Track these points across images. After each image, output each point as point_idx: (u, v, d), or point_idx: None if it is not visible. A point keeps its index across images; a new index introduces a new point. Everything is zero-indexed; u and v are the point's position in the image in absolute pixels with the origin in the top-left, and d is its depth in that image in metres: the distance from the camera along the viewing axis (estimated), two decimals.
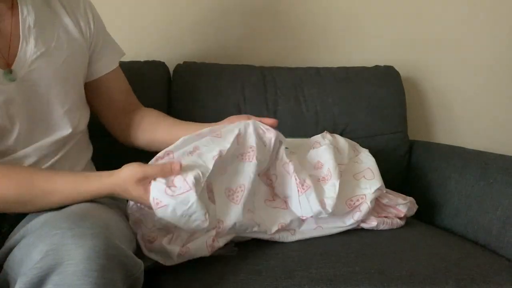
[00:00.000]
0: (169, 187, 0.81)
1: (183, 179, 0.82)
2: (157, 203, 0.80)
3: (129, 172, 0.81)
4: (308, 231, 1.00)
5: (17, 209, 0.82)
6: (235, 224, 0.89)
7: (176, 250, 0.85)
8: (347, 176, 1.04)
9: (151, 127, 1.05)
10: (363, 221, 1.03)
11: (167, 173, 0.82)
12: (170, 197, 0.80)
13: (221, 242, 0.90)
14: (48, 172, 0.86)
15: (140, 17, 1.44)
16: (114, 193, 0.82)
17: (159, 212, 0.80)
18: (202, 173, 0.84)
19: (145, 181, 0.81)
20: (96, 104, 1.05)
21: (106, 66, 1.03)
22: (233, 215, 0.90)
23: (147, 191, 0.80)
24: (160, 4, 1.46)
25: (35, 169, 0.86)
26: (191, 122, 1.06)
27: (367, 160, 1.09)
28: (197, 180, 0.82)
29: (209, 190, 0.89)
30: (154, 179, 0.81)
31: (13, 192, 0.79)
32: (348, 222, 1.01)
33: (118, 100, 1.06)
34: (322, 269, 0.86)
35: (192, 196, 0.80)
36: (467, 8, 1.61)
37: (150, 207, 0.81)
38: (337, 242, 0.97)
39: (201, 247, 0.87)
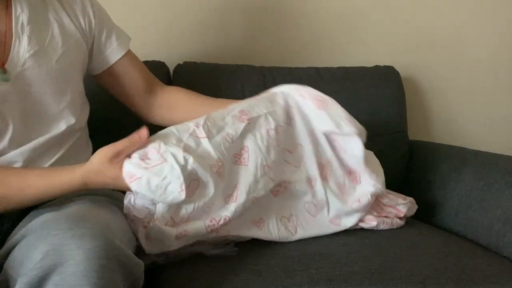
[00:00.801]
0: (143, 160, 0.80)
1: (157, 152, 0.81)
2: (131, 177, 0.79)
3: (100, 154, 0.81)
4: (308, 227, 0.99)
5: (8, 204, 0.81)
6: (249, 187, 0.90)
7: (173, 232, 0.84)
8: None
9: (184, 105, 1.07)
10: (361, 220, 1.03)
11: (136, 143, 0.82)
12: (143, 169, 0.80)
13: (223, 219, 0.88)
14: (20, 169, 0.87)
15: (140, 17, 1.44)
16: (88, 183, 0.81)
17: (134, 185, 0.79)
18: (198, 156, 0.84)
19: (118, 158, 0.80)
20: (118, 91, 1.06)
21: (116, 53, 1.02)
22: (244, 177, 0.91)
23: (122, 169, 0.80)
24: (160, 4, 1.46)
25: (7, 167, 0.86)
26: (222, 99, 1.08)
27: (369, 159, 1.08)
28: (174, 155, 0.82)
29: (219, 165, 0.88)
30: (129, 156, 0.81)
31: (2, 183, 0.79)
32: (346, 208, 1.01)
33: (138, 83, 1.06)
34: (322, 269, 0.86)
35: (167, 168, 0.80)
36: (467, 8, 1.61)
37: (129, 189, 0.81)
38: (337, 242, 0.97)
39: (200, 227, 0.86)
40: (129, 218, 0.87)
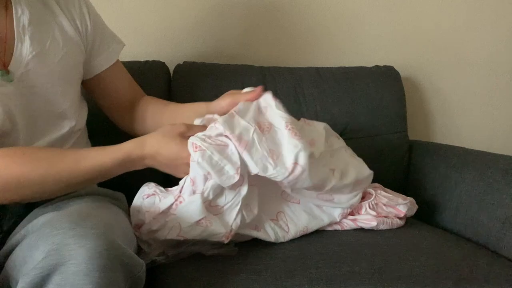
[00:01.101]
0: (207, 138, 0.86)
1: (220, 135, 0.87)
2: (196, 147, 0.84)
3: (170, 127, 0.86)
4: (297, 217, 0.99)
5: (49, 185, 0.80)
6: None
7: (201, 213, 0.85)
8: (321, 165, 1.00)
9: (156, 116, 1.06)
10: (353, 214, 1.04)
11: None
12: (208, 144, 0.84)
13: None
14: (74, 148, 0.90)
15: (140, 17, 1.44)
16: (145, 153, 0.84)
17: (197, 155, 0.83)
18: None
19: (188, 133, 0.87)
20: (102, 98, 1.06)
21: (107, 60, 1.03)
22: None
23: (186, 145, 0.85)
24: (160, 4, 1.46)
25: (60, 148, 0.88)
26: (192, 103, 1.07)
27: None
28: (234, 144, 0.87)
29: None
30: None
31: (44, 163, 0.80)
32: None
33: (123, 92, 1.07)
34: (322, 269, 0.86)
35: (228, 150, 0.85)
36: (467, 8, 1.61)
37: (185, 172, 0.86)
38: (337, 242, 0.97)
39: (219, 230, 0.86)
40: (133, 221, 0.87)
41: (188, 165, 0.86)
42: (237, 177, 0.84)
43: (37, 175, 0.79)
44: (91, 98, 1.07)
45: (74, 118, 0.95)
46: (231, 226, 0.88)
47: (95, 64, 1.02)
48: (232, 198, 0.88)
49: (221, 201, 0.88)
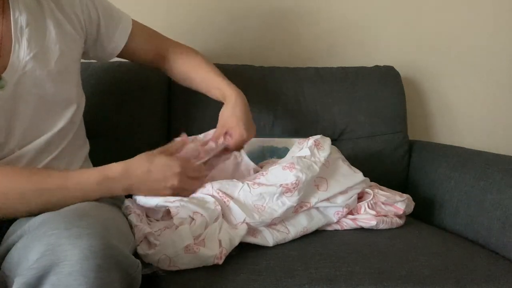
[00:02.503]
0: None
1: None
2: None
3: (150, 152, 0.91)
4: (296, 219, 0.99)
5: (34, 202, 0.79)
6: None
7: (189, 239, 0.84)
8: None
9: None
10: (353, 213, 1.04)
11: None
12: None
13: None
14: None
15: (140, 18, 1.43)
16: (130, 172, 0.85)
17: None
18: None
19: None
20: (138, 61, 1.15)
21: (123, 36, 1.07)
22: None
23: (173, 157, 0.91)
24: (160, 4, 1.46)
25: (47, 168, 0.89)
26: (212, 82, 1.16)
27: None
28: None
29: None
30: None
31: (27, 181, 0.80)
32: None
33: (149, 53, 1.14)
34: (322, 269, 0.86)
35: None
36: (467, 9, 1.61)
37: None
38: (337, 242, 0.97)
39: (209, 257, 0.85)
40: (130, 219, 0.87)
41: (177, 175, 0.89)
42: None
43: (23, 191, 0.79)
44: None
45: (72, 112, 0.95)
46: (221, 244, 0.87)
47: (115, 42, 1.06)
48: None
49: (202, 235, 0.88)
